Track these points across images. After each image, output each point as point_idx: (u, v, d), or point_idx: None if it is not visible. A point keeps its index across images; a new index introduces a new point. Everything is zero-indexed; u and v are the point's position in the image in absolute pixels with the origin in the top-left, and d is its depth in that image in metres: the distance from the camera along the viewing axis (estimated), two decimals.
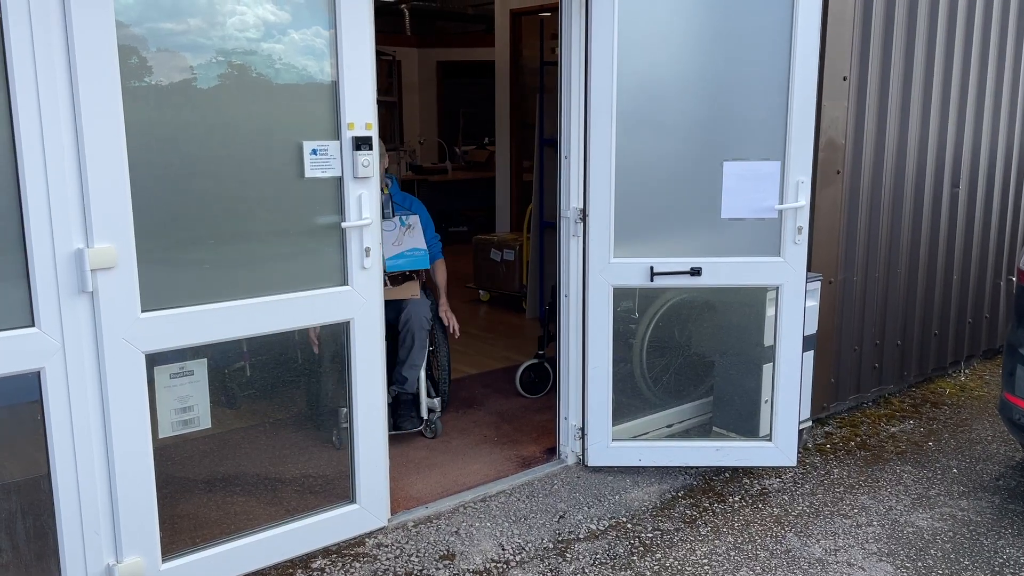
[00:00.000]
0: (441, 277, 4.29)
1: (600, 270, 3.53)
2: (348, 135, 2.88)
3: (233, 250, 2.76)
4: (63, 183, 2.36)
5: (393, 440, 3.61)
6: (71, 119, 2.36)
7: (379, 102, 3.10)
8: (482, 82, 8.42)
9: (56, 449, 2.47)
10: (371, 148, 2.91)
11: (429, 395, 4.15)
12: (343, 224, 2.93)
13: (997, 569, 3.04)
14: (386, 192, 3.89)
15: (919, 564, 3.07)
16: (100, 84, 2.38)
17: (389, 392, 3.87)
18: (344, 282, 2.99)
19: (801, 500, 3.53)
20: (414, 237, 3.97)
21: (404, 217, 3.98)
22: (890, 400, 4.72)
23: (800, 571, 3.01)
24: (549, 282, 5.61)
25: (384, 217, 3.81)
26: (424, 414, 4.07)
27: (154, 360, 2.64)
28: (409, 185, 9.41)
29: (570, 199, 3.57)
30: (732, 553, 3.12)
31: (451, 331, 4.24)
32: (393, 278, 3.91)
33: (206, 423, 2.82)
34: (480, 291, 6.89)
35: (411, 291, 3.96)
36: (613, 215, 3.49)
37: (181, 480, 2.92)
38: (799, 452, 3.87)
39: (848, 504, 3.50)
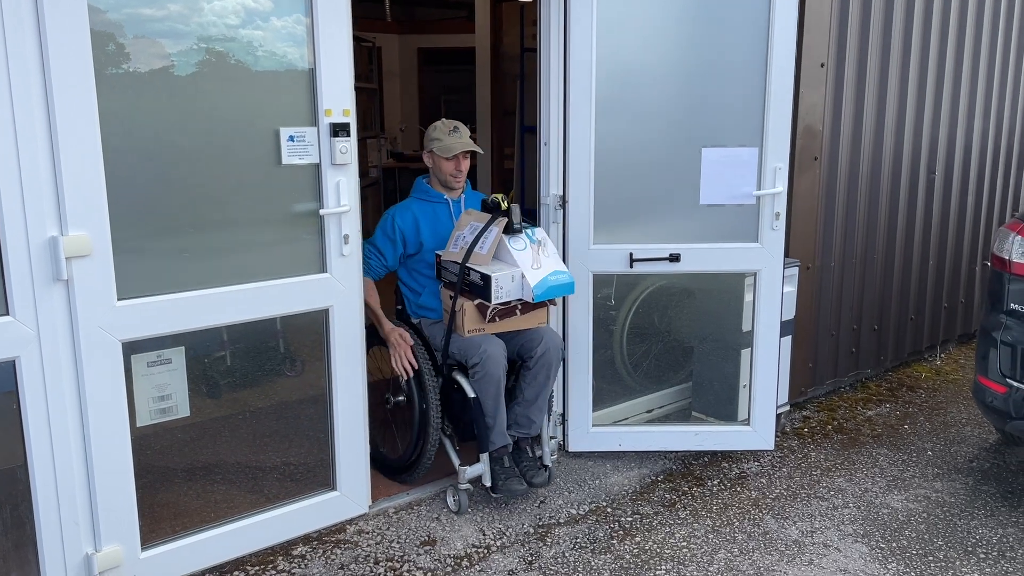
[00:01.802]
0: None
1: (580, 256, 3.54)
2: (325, 121, 2.86)
3: (210, 238, 2.75)
4: (36, 171, 2.34)
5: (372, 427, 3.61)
6: (43, 106, 2.33)
7: (359, 89, 3.09)
8: (463, 69, 8.38)
9: (33, 439, 2.46)
10: (348, 134, 2.90)
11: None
12: (321, 211, 2.92)
13: (970, 549, 3.10)
14: (505, 204, 3.17)
15: (893, 544, 3.12)
16: (73, 70, 2.35)
17: (506, 436, 3.28)
18: (323, 269, 2.98)
19: (779, 483, 3.57)
20: (550, 255, 3.21)
21: (530, 231, 3.23)
22: (867, 384, 4.78)
23: (777, 553, 3.05)
24: None
25: (511, 232, 3.16)
26: (548, 461, 3.41)
27: (131, 348, 2.63)
28: (391, 172, 9.37)
29: (550, 186, 3.57)
30: (710, 536, 3.16)
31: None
32: (525, 304, 3.17)
33: (184, 411, 2.82)
34: None
35: (540, 319, 3.27)
36: (593, 202, 3.50)
37: (160, 469, 2.91)
38: (777, 436, 3.91)
39: (825, 486, 3.55)
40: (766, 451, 3.84)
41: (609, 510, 3.33)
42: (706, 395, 3.96)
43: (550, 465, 3.40)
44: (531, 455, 3.36)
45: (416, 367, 3.30)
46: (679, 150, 3.51)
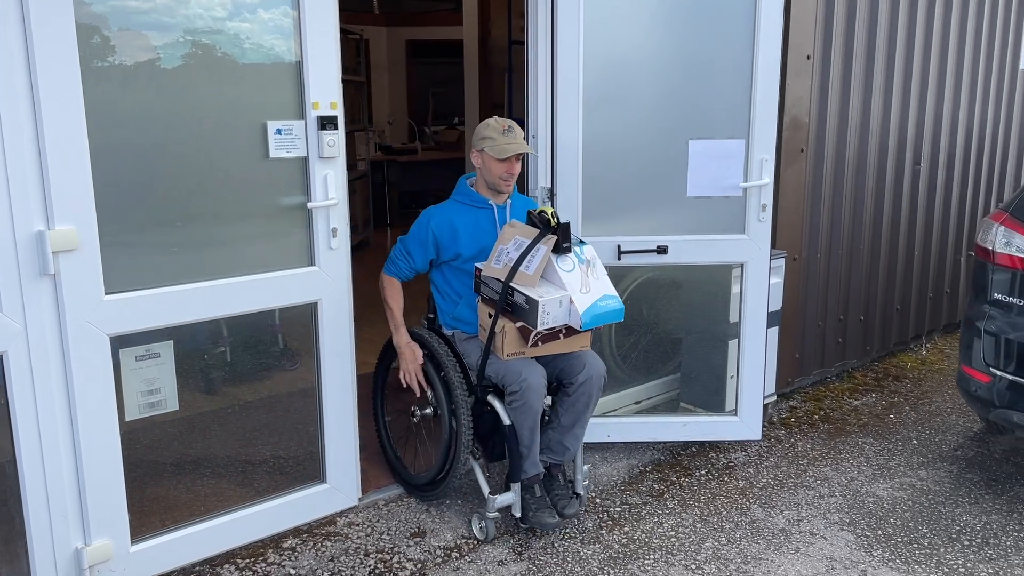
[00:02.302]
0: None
1: None
2: (313, 114, 2.86)
3: (198, 231, 2.75)
4: (22, 165, 2.33)
5: (362, 421, 3.61)
6: (29, 100, 2.32)
7: (347, 82, 3.08)
8: (451, 61, 8.37)
9: (21, 434, 2.45)
10: (336, 127, 2.90)
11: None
12: (309, 204, 2.92)
13: (954, 536, 3.13)
14: (554, 220, 2.91)
15: (879, 532, 3.15)
16: (58, 64, 2.34)
17: (538, 464, 3.07)
18: (311, 263, 2.98)
19: (766, 472, 3.60)
20: (599, 277, 2.94)
21: (579, 250, 2.96)
22: (853, 374, 4.82)
23: (764, 541, 3.08)
24: None
25: (560, 251, 2.89)
26: (580, 488, 3.21)
27: (120, 342, 2.63)
28: (379, 165, 9.36)
29: (538, 178, 3.58)
30: (698, 525, 3.18)
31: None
32: (569, 328, 2.91)
33: (173, 405, 2.81)
34: None
35: (583, 342, 3.01)
36: (580, 194, 3.51)
37: (150, 463, 2.92)
38: (764, 426, 3.94)
39: (811, 476, 3.58)
40: (753, 441, 3.87)
41: (598, 501, 3.35)
42: (694, 386, 3.98)
43: (582, 493, 3.20)
44: (562, 482, 3.17)
45: (424, 390, 3.18)
46: (666, 142, 3.53)
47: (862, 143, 4.47)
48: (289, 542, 3.03)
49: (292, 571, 2.86)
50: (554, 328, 2.88)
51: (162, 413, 2.81)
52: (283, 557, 2.94)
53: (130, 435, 2.72)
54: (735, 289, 3.71)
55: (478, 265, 3.04)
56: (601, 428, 3.76)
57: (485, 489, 3.11)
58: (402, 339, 3.20)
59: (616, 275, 3.83)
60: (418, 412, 3.29)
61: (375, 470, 3.52)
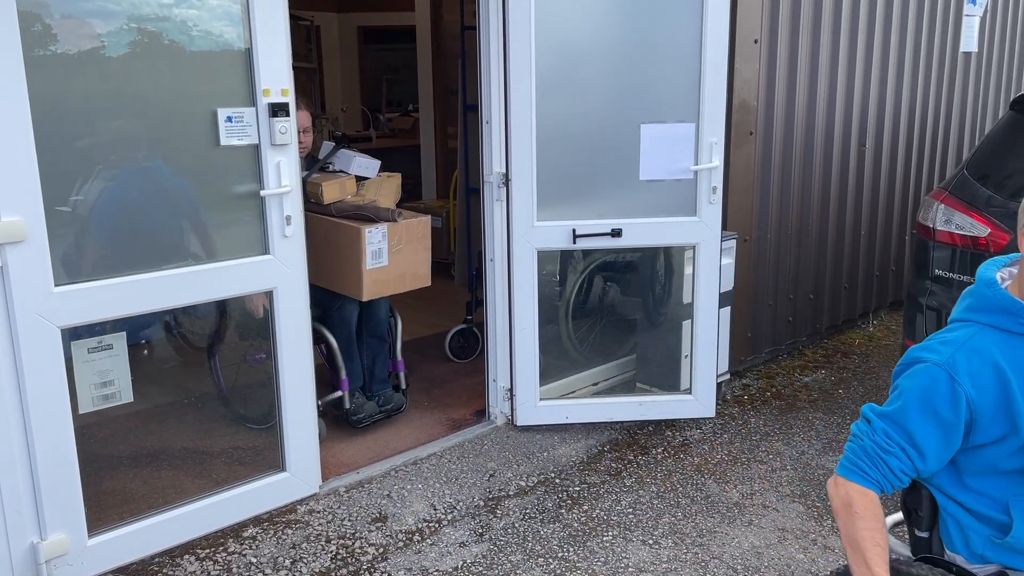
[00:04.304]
0: None
1: (524, 233, 3.58)
2: (264, 101, 2.84)
3: (149, 220, 2.72)
4: None
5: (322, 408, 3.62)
6: None
7: (298, 69, 3.06)
8: (404, 47, 8.31)
9: None
10: (288, 114, 2.88)
11: None
12: (262, 192, 2.90)
13: (898, 503, 3.24)
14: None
15: (828, 503, 3.25)
16: None
17: None
18: (266, 251, 2.97)
19: (720, 449, 3.69)
20: None
21: None
22: (803, 351, 4.94)
23: (719, 515, 3.16)
24: (477, 248, 5.64)
25: None
26: None
27: (71, 335, 2.59)
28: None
29: (492, 164, 3.60)
30: (655, 501, 3.25)
31: None
32: None
33: (128, 397, 2.79)
34: None
35: None
36: (535, 179, 3.54)
37: (106, 456, 2.89)
38: (718, 404, 4.02)
39: (764, 451, 3.68)
40: (708, 419, 3.96)
41: (557, 480, 3.41)
42: (649, 366, 4.05)
43: None
44: None
45: None
46: (619, 127, 3.57)
47: (809, 125, 4.56)
48: (250, 531, 3.03)
49: (253, 560, 2.87)
50: None
51: (117, 405, 2.78)
52: (243, 546, 2.94)
53: (84, 428, 2.69)
54: (688, 270, 3.78)
55: None
56: (560, 410, 3.81)
57: None
58: None
59: (573, 259, 3.89)
60: None
61: (335, 457, 3.53)
